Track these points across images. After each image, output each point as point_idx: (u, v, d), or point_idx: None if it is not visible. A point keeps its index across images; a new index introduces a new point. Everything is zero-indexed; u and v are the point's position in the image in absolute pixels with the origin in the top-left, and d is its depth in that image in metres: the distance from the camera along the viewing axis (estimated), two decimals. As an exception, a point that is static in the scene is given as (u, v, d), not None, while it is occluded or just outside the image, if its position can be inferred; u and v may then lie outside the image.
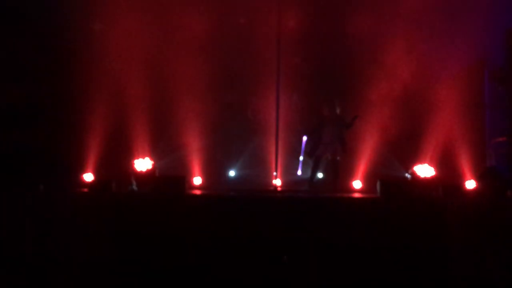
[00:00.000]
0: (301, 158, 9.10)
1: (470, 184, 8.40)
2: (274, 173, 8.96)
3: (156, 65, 9.43)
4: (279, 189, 8.71)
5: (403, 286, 6.35)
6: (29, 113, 8.93)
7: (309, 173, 8.97)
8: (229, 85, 9.77)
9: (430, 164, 8.68)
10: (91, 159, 8.91)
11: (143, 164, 8.63)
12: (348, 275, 6.38)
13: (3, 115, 8.72)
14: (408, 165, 8.98)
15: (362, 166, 9.26)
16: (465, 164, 8.85)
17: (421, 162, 8.79)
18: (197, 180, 9.37)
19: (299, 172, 9.15)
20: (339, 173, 8.87)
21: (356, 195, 8.51)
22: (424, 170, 8.54)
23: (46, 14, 8.99)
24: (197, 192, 8.54)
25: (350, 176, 9.29)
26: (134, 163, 8.67)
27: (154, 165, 8.72)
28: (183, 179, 7.89)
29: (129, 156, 8.97)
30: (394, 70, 9.29)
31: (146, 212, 6.72)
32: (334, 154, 8.81)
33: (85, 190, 8.02)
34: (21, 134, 8.73)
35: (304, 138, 9.02)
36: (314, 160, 8.90)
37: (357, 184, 9.17)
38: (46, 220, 6.46)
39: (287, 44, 9.31)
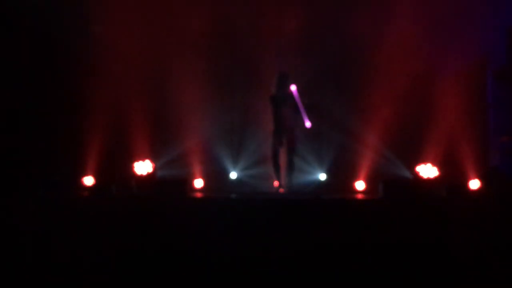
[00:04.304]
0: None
1: (474, 184, 8.33)
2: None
3: (156, 67, 9.40)
4: (281, 191, 8.63)
5: (407, 287, 6.29)
6: (28, 117, 8.89)
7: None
8: (231, 87, 9.73)
9: (433, 164, 8.61)
10: (91, 162, 8.88)
11: (143, 167, 8.58)
12: (351, 277, 6.33)
13: (1, 119, 8.68)
14: (410, 165, 8.91)
15: (364, 167, 9.21)
16: (468, 164, 8.78)
17: (424, 162, 8.73)
18: (199, 183, 9.32)
19: (308, 124, 8.05)
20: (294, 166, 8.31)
21: (359, 196, 8.46)
22: (427, 170, 8.48)
23: (46, 17, 8.97)
24: (199, 194, 8.50)
25: (353, 177, 9.24)
26: (134, 166, 8.63)
27: (154, 168, 8.67)
28: (184, 182, 7.85)
29: (129, 159, 8.93)
30: (395, 69, 9.22)
31: (147, 215, 6.66)
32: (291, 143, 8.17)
33: (85, 193, 7.98)
34: (20, 138, 8.69)
35: (294, 87, 7.96)
36: (273, 155, 8.23)
37: (359, 185, 9.10)
38: (45, 225, 6.41)
39: (287, 45, 9.30)
